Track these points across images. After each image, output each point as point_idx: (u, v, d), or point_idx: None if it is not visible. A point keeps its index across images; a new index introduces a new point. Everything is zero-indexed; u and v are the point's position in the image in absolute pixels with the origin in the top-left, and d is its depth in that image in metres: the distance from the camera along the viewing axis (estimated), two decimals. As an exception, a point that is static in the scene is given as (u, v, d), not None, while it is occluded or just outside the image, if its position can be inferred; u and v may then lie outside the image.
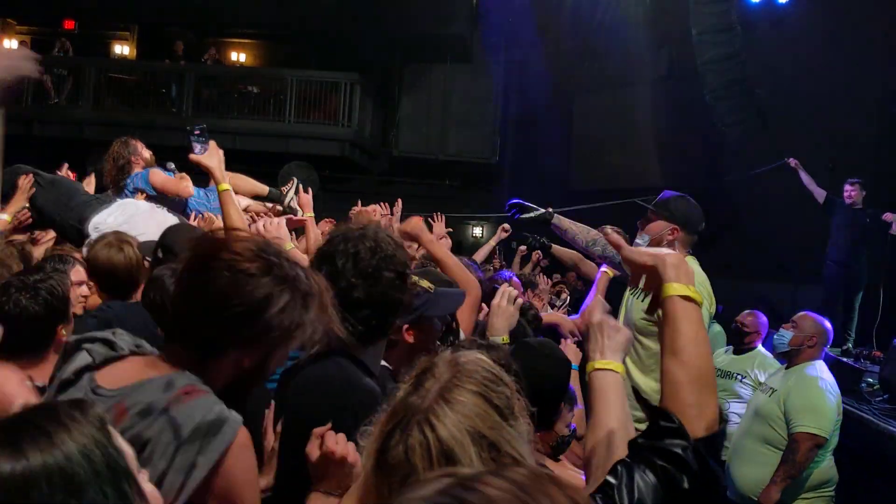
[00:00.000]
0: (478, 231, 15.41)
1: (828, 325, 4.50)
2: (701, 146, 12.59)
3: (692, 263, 3.80)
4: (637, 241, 3.72)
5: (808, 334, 4.42)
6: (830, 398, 4.21)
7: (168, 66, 16.11)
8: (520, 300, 2.88)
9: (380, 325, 1.94)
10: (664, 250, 1.62)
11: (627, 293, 3.87)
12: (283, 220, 3.17)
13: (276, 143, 14.58)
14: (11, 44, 17.88)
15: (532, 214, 4.31)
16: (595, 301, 1.83)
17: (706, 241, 12.55)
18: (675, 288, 1.51)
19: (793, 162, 8.71)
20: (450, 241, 4.30)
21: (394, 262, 1.93)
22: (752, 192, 11.68)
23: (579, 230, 4.17)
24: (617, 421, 1.55)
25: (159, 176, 4.28)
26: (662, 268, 1.55)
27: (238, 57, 17.77)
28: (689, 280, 1.53)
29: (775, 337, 4.54)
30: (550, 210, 4.27)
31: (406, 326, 2.24)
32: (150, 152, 4.67)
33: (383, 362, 2.15)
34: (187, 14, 16.50)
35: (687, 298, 1.50)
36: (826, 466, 4.27)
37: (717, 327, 6.94)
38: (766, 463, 4.25)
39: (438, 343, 2.32)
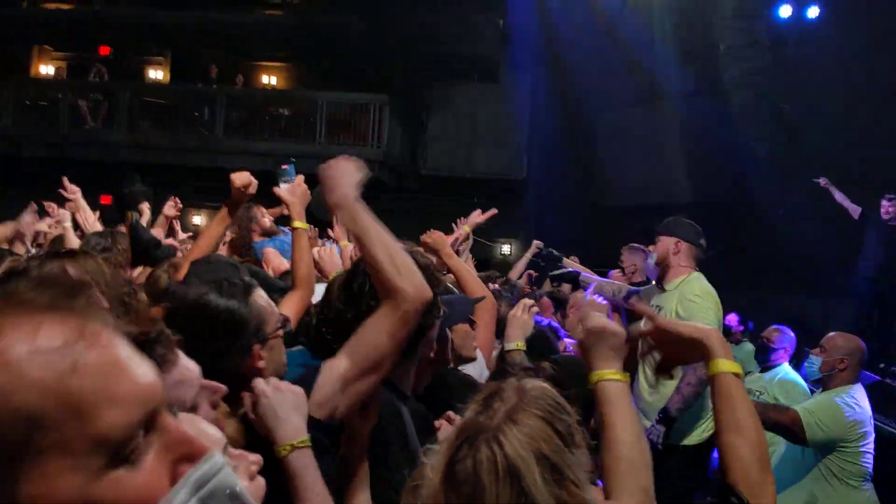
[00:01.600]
0: (506, 248, 15.44)
1: (859, 343, 4.13)
2: (729, 162, 12.54)
3: (698, 278, 4.17)
4: (647, 261, 4.30)
5: (839, 357, 4.06)
6: (846, 412, 3.89)
7: (200, 90, 16.43)
8: (535, 308, 3.00)
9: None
10: (707, 326, 1.66)
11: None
12: (334, 247, 3.26)
13: (307, 164, 14.66)
14: (48, 69, 18.37)
15: (559, 271, 4.90)
16: (588, 303, 1.85)
17: (735, 255, 12.46)
18: (726, 364, 1.55)
19: (823, 182, 8.61)
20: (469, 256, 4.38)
21: None
22: (783, 206, 11.59)
23: (605, 283, 4.65)
24: (632, 435, 1.56)
25: (273, 260, 4.20)
26: (709, 342, 1.59)
27: (269, 80, 18.07)
28: (731, 355, 1.59)
29: (806, 364, 4.26)
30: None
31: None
32: (271, 220, 4.70)
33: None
34: (219, 38, 16.86)
35: (736, 375, 1.56)
36: (863, 497, 3.94)
37: (749, 346, 6.86)
38: (799, 488, 4.01)
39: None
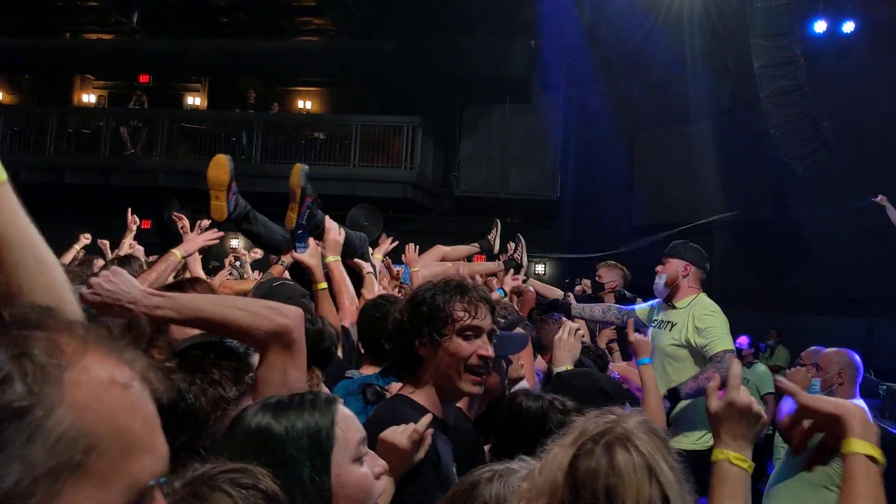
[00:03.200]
0: (540, 268, 15.39)
1: (852, 356, 4.18)
2: (767, 179, 12.42)
3: (703, 298, 4.41)
4: (656, 280, 4.48)
5: (834, 372, 4.12)
6: None
7: (237, 115, 16.72)
8: (581, 332, 3.03)
9: (409, 369, 2.05)
10: (848, 402, 1.57)
11: (652, 329, 4.53)
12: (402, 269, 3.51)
13: (341, 186, 14.92)
14: (90, 98, 18.84)
15: (547, 300, 5.24)
16: (735, 377, 1.71)
17: (775, 274, 12.31)
18: (860, 445, 1.48)
19: (880, 199, 8.41)
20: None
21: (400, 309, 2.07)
22: (822, 224, 11.43)
23: (594, 307, 5.16)
24: None
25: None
26: (849, 419, 1.50)
27: (304, 104, 18.32)
28: (874, 438, 1.49)
29: (810, 388, 4.23)
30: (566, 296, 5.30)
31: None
32: None
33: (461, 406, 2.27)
34: (255, 65, 17.16)
35: (872, 459, 1.47)
36: None
37: (762, 367, 6.77)
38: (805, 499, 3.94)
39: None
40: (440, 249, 5.29)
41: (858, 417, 1.50)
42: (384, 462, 1.49)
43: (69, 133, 16.79)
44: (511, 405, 2.25)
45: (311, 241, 3.38)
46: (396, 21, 14.97)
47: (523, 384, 2.77)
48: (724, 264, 13.56)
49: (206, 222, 4.41)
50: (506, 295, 4.68)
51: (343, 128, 15.91)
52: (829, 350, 4.26)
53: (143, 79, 18.28)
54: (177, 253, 3.67)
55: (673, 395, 4.02)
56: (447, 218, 15.71)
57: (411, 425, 1.77)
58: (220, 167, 3.61)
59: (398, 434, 1.75)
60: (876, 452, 1.46)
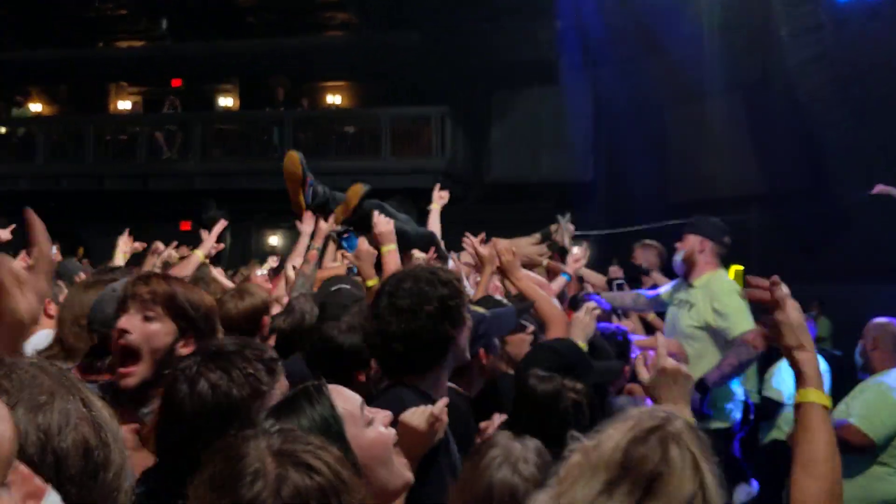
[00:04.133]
0: (576, 250, 15.33)
1: (891, 325, 4.20)
2: (801, 150, 12.22)
3: (720, 276, 4.42)
4: (675, 257, 4.53)
5: (870, 339, 4.20)
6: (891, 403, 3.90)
7: (269, 114, 16.90)
8: (597, 311, 3.13)
9: (427, 358, 2.05)
10: (808, 353, 1.66)
11: (671, 308, 4.58)
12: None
13: (373, 180, 14.77)
14: (125, 105, 19.20)
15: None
16: (661, 346, 1.86)
17: (814, 246, 12.12)
18: (815, 395, 1.57)
19: (878, 189, 8.05)
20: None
21: (427, 297, 2.04)
22: (861, 189, 11.21)
23: (625, 295, 5.22)
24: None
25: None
26: (805, 367, 1.62)
27: (333, 99, 18.45)
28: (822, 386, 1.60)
29: (856, 352, 4.33)
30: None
31: (482, 351, 2.41)
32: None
33: (454, 385, 2.31)
34: (284, 62, 17.32)
35: (824, 407, 1.56)
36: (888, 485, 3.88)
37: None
38: (857, 473, 3.91)
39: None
40: (499, 244, 5.11)
41: (813, 366, 1.60)
42: (386, 411, 1.57)
43: (107, 141, 17.13)
44: (523, 387, 2.28)
45: (362, 239, 3.44)
46: (419, 11, 14.98)
47: None
48: (763, 238, 13.40)
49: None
50: (571, 279, 4.64)
51: (372, 121, 16.01)
52: (874, 320, 4.31)
53: (176, 83, 18.55)
54: (199, 253, 3.82)
55: (701, 387, 3.98)
56: (480, 206, 15.72)
57: (429, 407, 1.83)
58: (293, 164, 3.82)
59: (417, 417, 1.81)
60: (825, 401, 1.57)
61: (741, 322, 4.12)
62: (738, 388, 4.38)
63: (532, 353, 2.68)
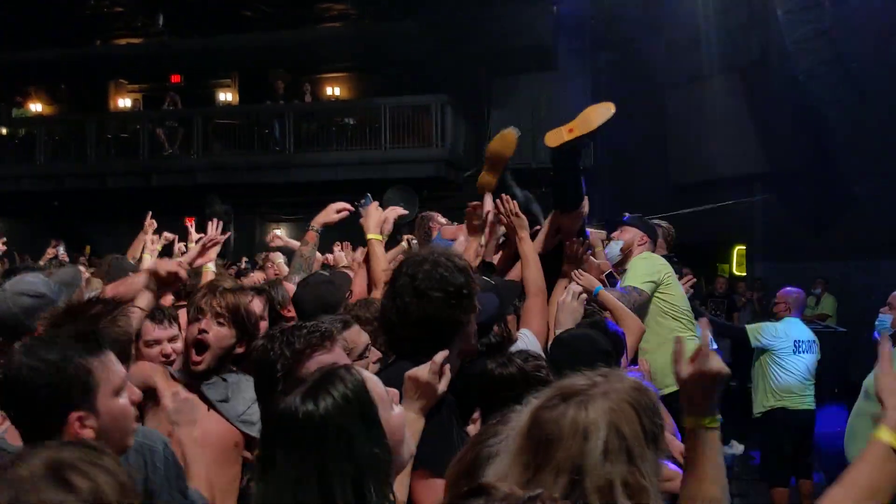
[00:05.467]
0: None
1: None
2: (803, 127, 12.17)
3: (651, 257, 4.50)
4: (610, 245, 4.59)
5: None
6: None
7: (269, 108, 16.88)
8: (584, 296, 3.10)
9: (437, 340, 2.08)
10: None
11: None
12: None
13: (374, 170, 15.01)
14: (125, 102, 19.21)
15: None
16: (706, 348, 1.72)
17: (818, 224, 12.09)
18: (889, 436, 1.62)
19: None
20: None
21: (446, 282, 2.11)
22: (864, 166, 11.20)
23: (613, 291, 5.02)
24: (719, 481, 1.63)
25: (447, 230, 4.91)
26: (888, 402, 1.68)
27: (333, 90, 18.42)
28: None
29: (877, 323, 4.49)
30: None
31: None
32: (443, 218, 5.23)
33: None
34: (283, 56, 17.30)
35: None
36: None
37: None
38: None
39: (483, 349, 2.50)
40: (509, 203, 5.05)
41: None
42: (393, 389, 1.63)
43: (108, 138, 17.13)
44: (483, 374, 2.31)
45: (374, 203, 3.59)
46: (416, 0, 14.95)
47: (525, 343, 2.79)
48: (767, 218, 13.38)
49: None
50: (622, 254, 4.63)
51: (372, 111, 15.98)
52: None
53: (175, 79, 18.52)
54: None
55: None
56: (482, 193, 15.72)
57: (430, 362, 1.92)
58: (506, 144, 3.93)
59: (420, 370, 1.91)
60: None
61: (633, 279, 4.33)
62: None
63: (571, 342, 2.69)
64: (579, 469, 1.22)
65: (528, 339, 2.79)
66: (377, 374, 2.11)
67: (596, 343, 2.66)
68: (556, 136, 3.68)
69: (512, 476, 1.26)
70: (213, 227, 3.76)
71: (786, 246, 12.13)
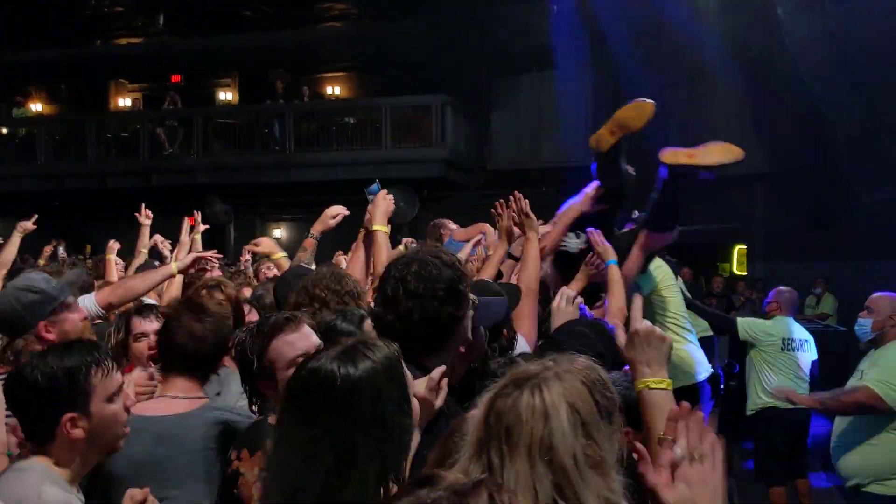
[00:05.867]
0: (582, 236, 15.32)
1: None
2: (805, 127, 12.17)
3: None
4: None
5: (887, 314, 4.24)
6: None
7: (269, 107, 16.87)
8: (578, 300, 3.10)
9: (436, 339, 2.09)
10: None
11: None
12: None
13: (375, 170, 14.94)
14: (125, 102, 19.21)
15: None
16: (636, 310, 1.90)
17: (819, 223, 12.05)
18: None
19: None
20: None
21: (440, 280, 2.08)
22: (866, 167, 11.18)
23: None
24: None
25: (458, 233, 5.04)
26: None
27: (333, 90, 18.42)
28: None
29: (857, 327, 4.42)
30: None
31: None
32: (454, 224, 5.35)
33: None
34: (283, 56, 17.30)
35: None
36: None
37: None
38: (865, 445, 4.04)
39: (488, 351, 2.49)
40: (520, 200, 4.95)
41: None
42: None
43: (108, 138, 17.13)
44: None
45: (382, 192, 3.50)
46: (417, 0, 14.95)
47: (522, 347, 2.78)
48: (768, 218, 13.38)
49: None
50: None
51: (373, 111, 15.98)
52: (881, 294, 4.35)
53: (175, 79, 18.54)
54: (173, 266, 3.78)
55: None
56: (482, 193, 15.71)
57: (428, 376, 1.92)
58: (640, 114, 3.94)
59: (418, 384, 1.89)
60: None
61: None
62: (698, 353, 4.52)
63: (563, 337, 2.68)
64: (549, 449, 1.27)
65: (519, 343, 2.79)
66: None
67: (588, 341, 2.65)
68: (674, 156, 3.69)
69: (474, 468, 1.29)
70: (212, 254, 3.92)
71: (787, 246, 12.13)
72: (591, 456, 1.28)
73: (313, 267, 3.72)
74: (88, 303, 3.27)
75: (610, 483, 1.29)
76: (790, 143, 12.35)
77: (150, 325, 2.95)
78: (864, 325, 4.33)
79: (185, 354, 2.45)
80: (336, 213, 3.87)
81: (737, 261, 14.23)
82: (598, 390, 1.35)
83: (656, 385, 1.75)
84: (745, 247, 13.91)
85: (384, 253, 3.23)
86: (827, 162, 11.93)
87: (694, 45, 12.99)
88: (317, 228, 3.88)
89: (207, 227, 5.52)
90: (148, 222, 5.70)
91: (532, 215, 3.51)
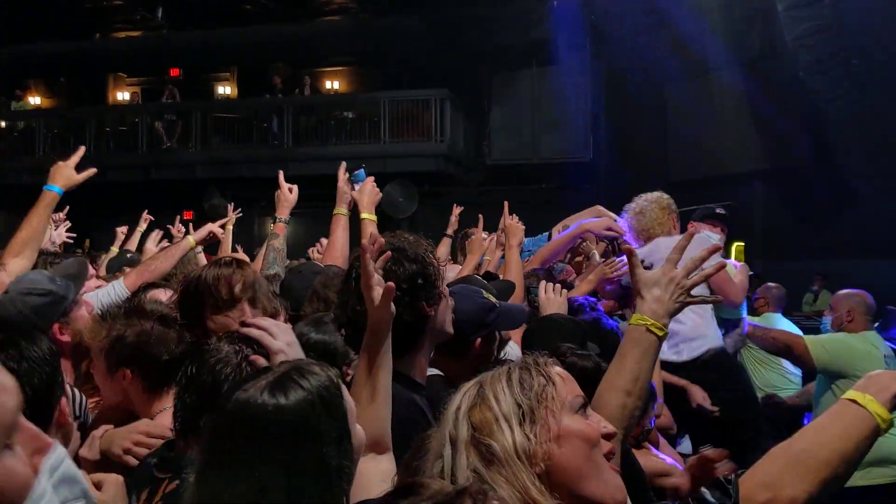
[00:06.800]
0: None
1: (863, 296, 4.52)
2: (803, 124, 12.16)
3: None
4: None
5: (844, 311, 4.46)
6: (855, 344, 4.30)
7: (268, 101, 16.87)
8: (566, 291, 3.15)
9: (402, 339, 1.84)
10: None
11: None
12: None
13: (373, 164, 14.87)
14: (124, 95, 19.18)
15: None
16: (679, 249, 1.80)
17: (818, 221, 12.05)
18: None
19: None
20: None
21: (399, 278, 1.88)
22: (866, 165, 11.19)
23: None
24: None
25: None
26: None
27: (332, 85, 18.40)
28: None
29: (821, 326, 4.80)
30: None
31: (479, 340, 2.33)
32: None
33: (437, 371, 2.22)
34: (282, 50, 17.27)
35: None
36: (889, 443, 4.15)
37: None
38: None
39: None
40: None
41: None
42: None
43: (107, 132, 17.12)
44: (562, 363, 2.29)
45: (369, 179, 3.43)
46: (416, -6, 14.94)
47: (513, 350, 2.77)
48: (766, 214, 13.37)
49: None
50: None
51: (372, 105, 15.98)
52: (841, 292, 4.62)
53: (174, 72, 18.49)
54: (190, 238, 3.79)
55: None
56: (482, 188, 15.72)
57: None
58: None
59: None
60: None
61: None
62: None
63: (543, 331, 2.68)
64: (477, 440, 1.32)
65: (512, 349, 2.79)
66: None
67: (564, 331, 2.66)
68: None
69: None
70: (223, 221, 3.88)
71: (785, 243, 12.14)
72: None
73: (283, 251, 3.70)
74: (119, 289, 3.18)
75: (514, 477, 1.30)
76: (789, 139, 12.35)
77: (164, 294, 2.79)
78: (826, 322, 4.67)
79: None
80: (286, 187, 3.81)
81: (735, 258, 14.24)
82: (518, 388, 1.36)
83: (656, 330, 1.71)
84: (742, 244, 13.91)
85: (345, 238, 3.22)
86: (825, 158, 11.93)
87: (693, 41, 12.98)
88: (282, 212, 3.78)
89: (239, 212, 5.41)
90: (145, 226, 5.67)
91: (514, 224, 3.64)
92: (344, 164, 3.59)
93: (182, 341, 2.12)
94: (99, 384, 2.40)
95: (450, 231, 5.43)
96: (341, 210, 3.46)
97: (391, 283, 1.68)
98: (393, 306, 1.67)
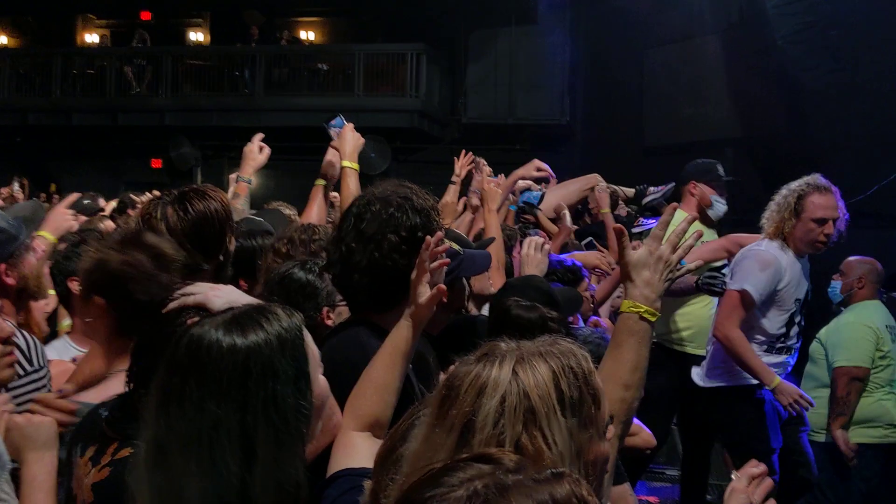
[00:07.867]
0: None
1: (875, 263, 4.65)
2: (779, 93, 12.19)
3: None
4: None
5: (855, 277, 4.58)
6: (865, 330, 4.39)
7: (240, 50, 16.51)
8: (547, 247, 3.10)
9: (389, 293, 1.85)
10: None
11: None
12: None
13: (346, 117, 14.75)
14: (93, 38, 18.64)
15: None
16: (663, 224, 1.79)
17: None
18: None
19: None
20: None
21: (401, 225, 1.85)
22: (835, 133, 11.26)
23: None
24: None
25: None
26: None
27: (308, 35, 18.04)
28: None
29: (829, 290, 4.69)
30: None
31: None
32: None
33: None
34: (256, -3, 16.88)
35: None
36: (874, 400, 4.40)
37: None
38: (822, 404, 4.36)
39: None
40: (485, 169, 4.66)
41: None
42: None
43: (74, 75, 16.69)
44: (505, 313, 2.30)
45: (349, 125, 3.36)
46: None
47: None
48: (737, 182, 13.45)
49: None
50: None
51: (346, 58, 15.73)
52: (852, 258, 4.67)
53: (145, 16, 17.98)
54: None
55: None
56: (456, 146, 15.59)
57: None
58: None
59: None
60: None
61: None
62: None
63: (507, 289, 2.67)
64: (468, 426, 1.16)
65: None
66: (328, 335, 1.96)
67: (540, 291, 2.62)
68: None
69: (419, 437, 1.22)
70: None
71: (757, 211, 12.23)
72: (524, 446, 1.15)
73: (245, 211, 3.38)
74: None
75: None
76: (762, 108, 12.38)
77: None
78: (835, 287, 4.64)
79: None
80: (257, 145, 3.51)
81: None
82: (567, 379, 1.21)
83: (649, 316, 1.69)
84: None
85: (353, 193, 2.94)
86: (797, 128, 11.99)
87: (673, 5, 12.91)
88: (246, 171, 3.46)
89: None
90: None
91: (494, 188, 3.58)
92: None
93: (169, 289, 1.79)
94: (76, 309, 2.47)
95: (455, 178, 4.87)
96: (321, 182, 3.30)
97: (443, 286, 1.68)
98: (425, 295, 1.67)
